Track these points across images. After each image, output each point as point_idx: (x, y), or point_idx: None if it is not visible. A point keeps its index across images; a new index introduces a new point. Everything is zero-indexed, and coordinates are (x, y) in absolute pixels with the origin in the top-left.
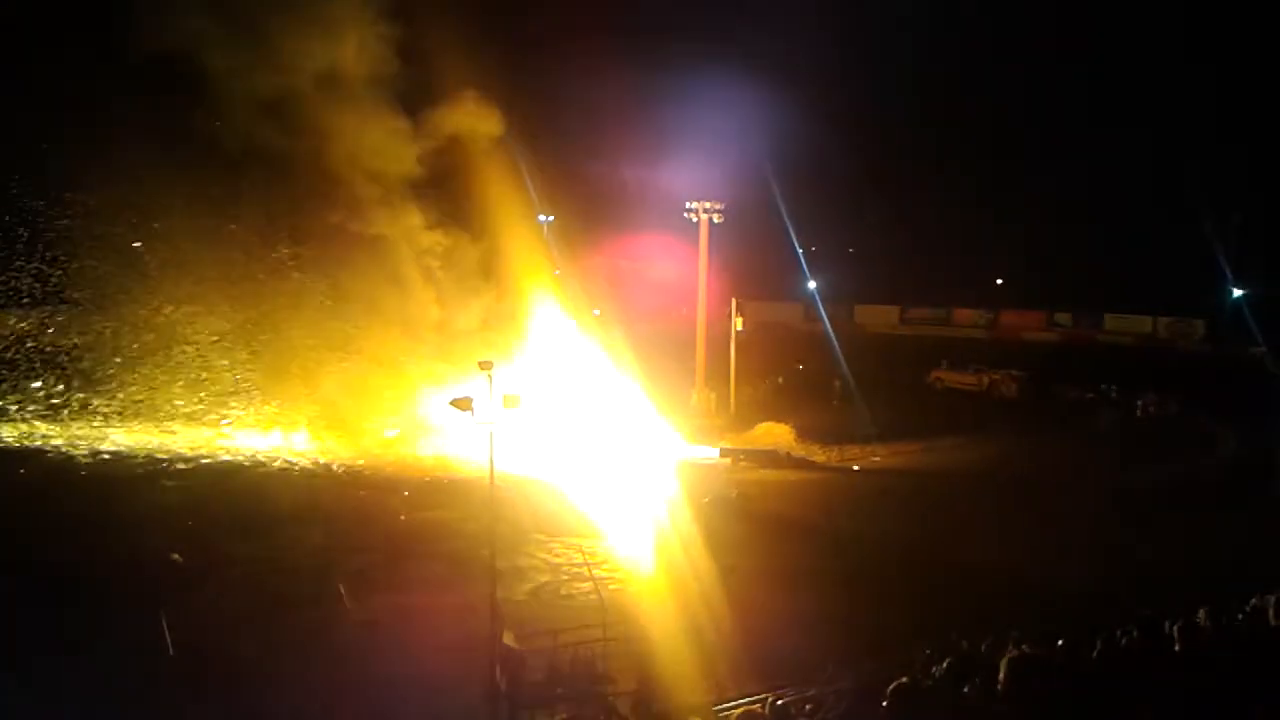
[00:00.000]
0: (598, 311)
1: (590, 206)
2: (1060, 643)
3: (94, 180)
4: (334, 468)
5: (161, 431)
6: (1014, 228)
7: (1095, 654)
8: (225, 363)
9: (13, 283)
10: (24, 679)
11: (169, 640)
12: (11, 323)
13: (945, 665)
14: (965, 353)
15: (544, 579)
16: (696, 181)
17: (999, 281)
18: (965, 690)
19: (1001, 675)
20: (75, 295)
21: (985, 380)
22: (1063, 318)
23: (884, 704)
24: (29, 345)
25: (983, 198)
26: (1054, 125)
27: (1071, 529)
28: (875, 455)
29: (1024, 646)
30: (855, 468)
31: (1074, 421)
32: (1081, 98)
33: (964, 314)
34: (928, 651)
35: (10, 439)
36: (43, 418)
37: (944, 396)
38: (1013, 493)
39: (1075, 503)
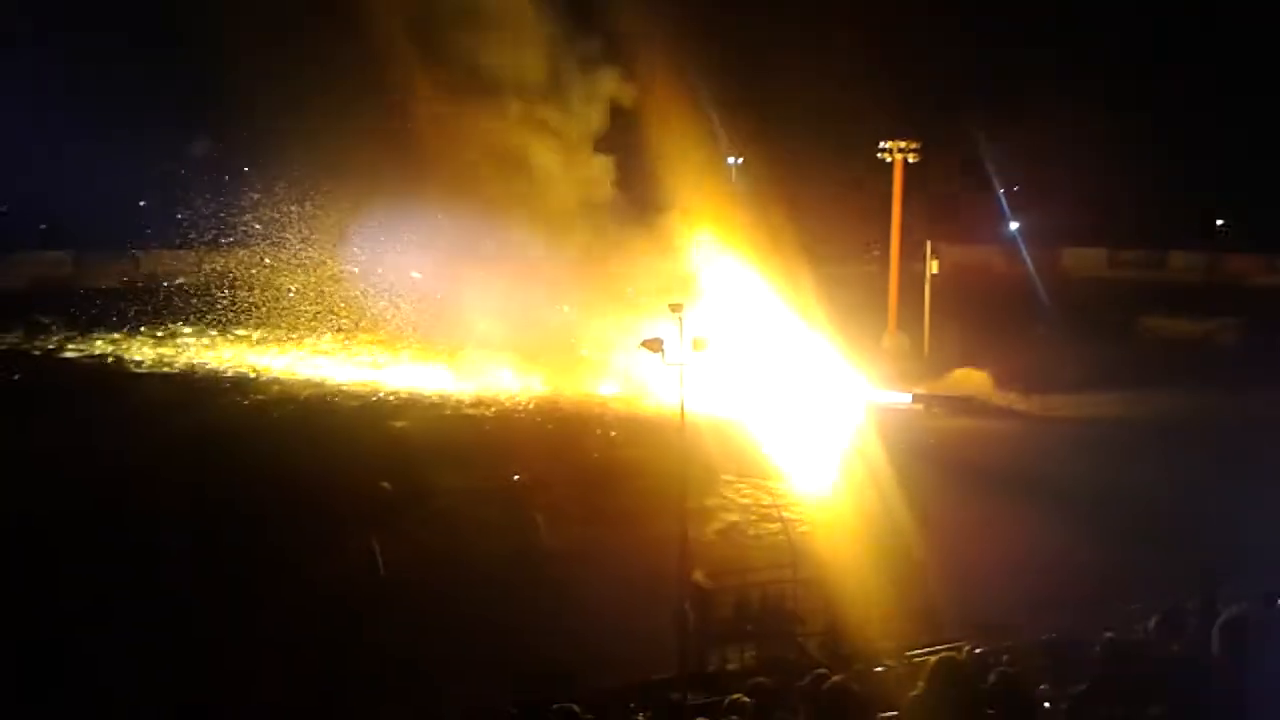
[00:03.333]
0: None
1: (781, 146)
2: None
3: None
4: (530, 404)
5: (370, 367)
6: (1237, 164)
7: None
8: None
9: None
10: (249, 597)
11: (380, 562)
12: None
13: (1155, 621)
14: (1181, 298)
15: (732, 519)
16: (891, 118)
17: (1220, 223)
18: (1175, 647)
19: (1215, 634)
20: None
21: (1202, 328)
22: None
23: (1092, 657)
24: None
25: (1203, 133)
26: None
27: None
28: (1081, 404)
29: (1239, 605)
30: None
31: None
32: None
33: (1180, 257)
34: (1134, 606)
35: (237, 369)
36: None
37: (1157, 345)
38: (1233, 445)
39: None
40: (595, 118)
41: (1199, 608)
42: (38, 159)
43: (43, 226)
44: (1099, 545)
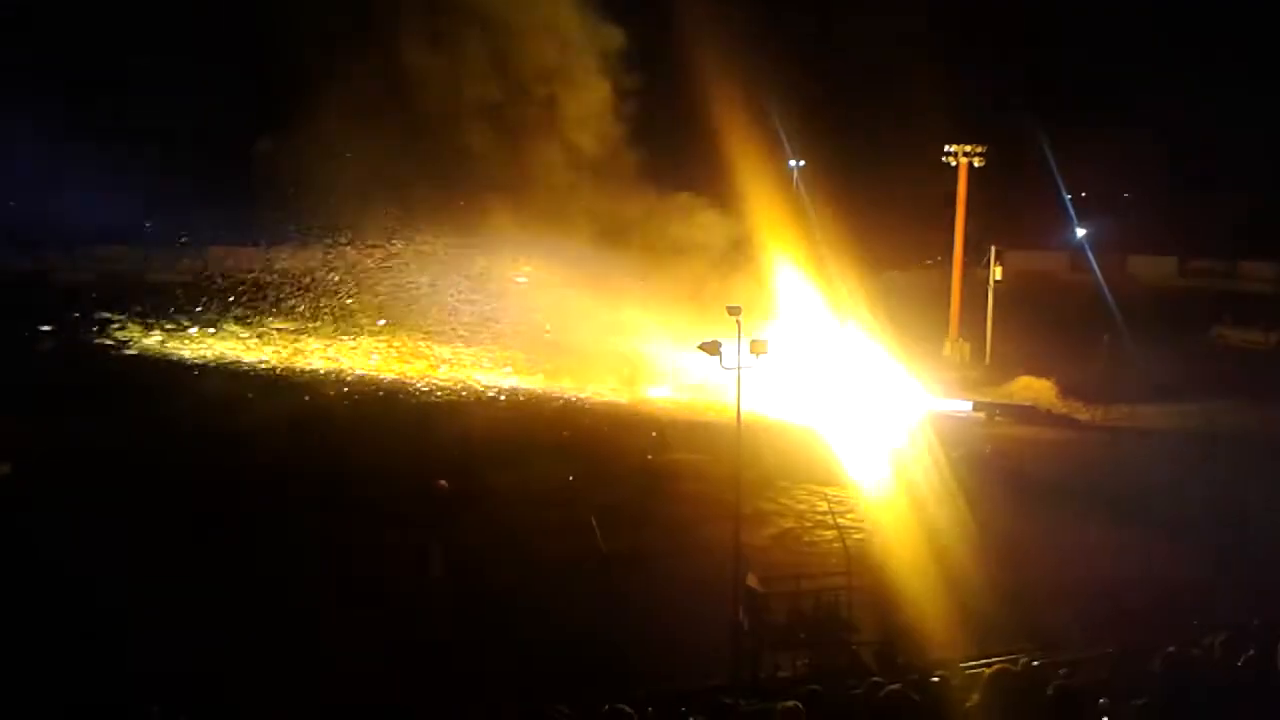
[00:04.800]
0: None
1: (843, 149)
2: None
3: None
4: (583, 405)
5: (427, 366)
6: None
7: None
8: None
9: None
10: (303, 589)
11: (436, 561)
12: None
13: (1220, 639)
14: (1252, 308)
15: (787, 525)
16: (956, 122)
17: None
18: (1239, 664)
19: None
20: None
21: (1274, 338)
22: None
23: (1155, 671)
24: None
25: (1276, 141)
26: None
27: None
28: (1146, 415)
29: None
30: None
31: None
32: None
33: (1251, 266)
34: (1195, 623)
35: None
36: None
37: (1226, 355)
38: None
39: None
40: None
41: (1263, 624)
42: (98, 153)
43: (147, 225)
44: (1162, 559)
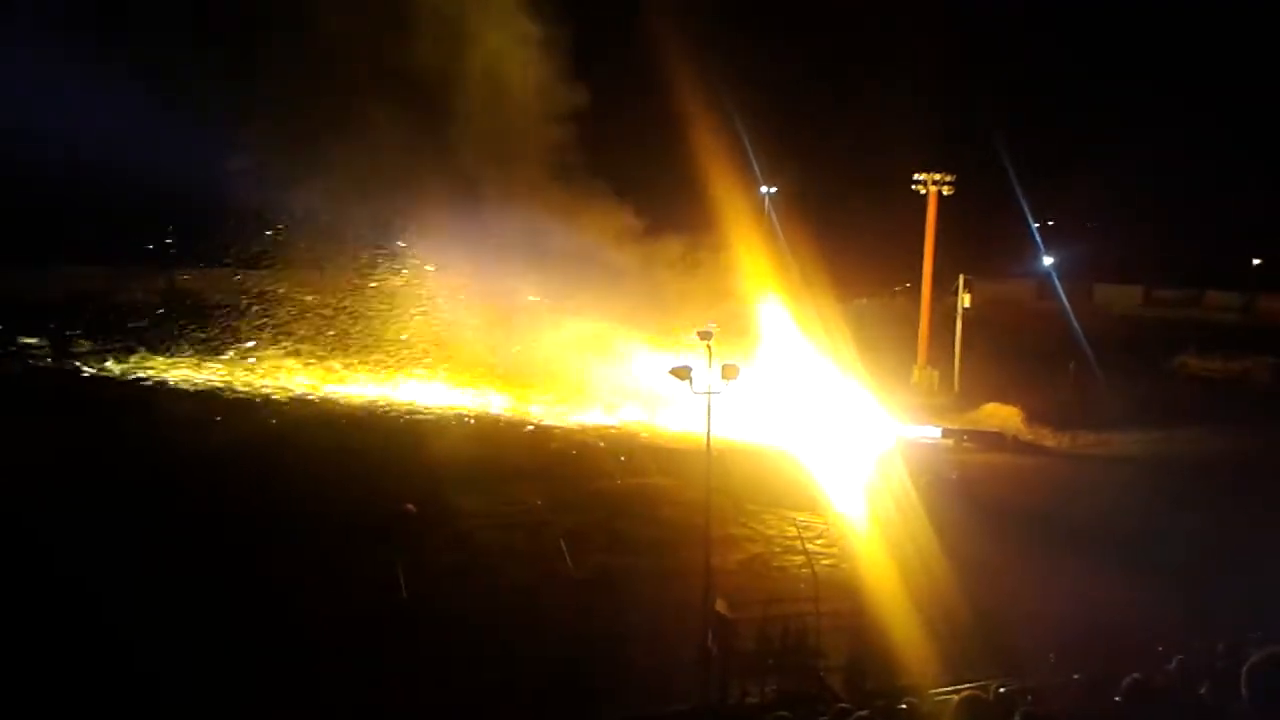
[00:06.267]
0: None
1: (813, 177)
2: None
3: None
4: (551, 429)
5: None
6: (1274, 202)
7: None
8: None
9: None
10: (268, 613)
11: (403, 585)
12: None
13: (1184, 666)
14: (1216, 337)
15: (757, 550)
16: (925, 151)
17: (1256, 262)
18: (1201, 691)
19: (1243, 677)
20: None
21: (1237, 367)
22: None
23: (1117, 699)
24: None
25: (1241, 171)
26: None
27: None
28: (1112, 442)
29: (1268, 647)
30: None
31: None
32: None
33: (1215, 296)
34: (1160, 649)
35: (266, 387)
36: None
37: (1190, 383)
38: (1266, 484)
39: None
40: None
41: (1227, 650)
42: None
43: (149, 247)
44: (1127, 585)
